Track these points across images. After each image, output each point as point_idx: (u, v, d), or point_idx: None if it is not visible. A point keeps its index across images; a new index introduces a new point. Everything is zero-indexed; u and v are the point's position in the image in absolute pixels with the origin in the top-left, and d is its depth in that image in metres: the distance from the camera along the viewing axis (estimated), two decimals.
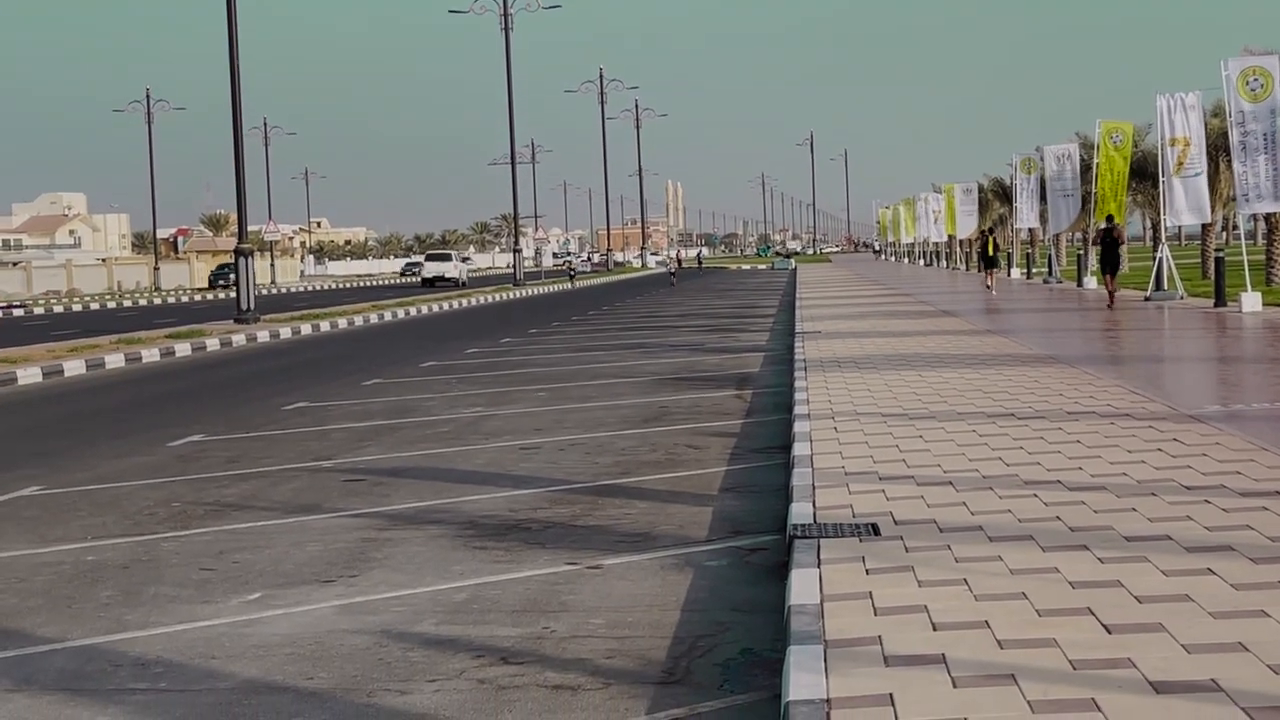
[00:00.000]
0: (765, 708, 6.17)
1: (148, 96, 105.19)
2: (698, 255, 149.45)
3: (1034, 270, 57.91)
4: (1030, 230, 62.96)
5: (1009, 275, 58.83)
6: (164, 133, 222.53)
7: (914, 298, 42.61)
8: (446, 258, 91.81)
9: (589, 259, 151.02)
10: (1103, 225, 34.27)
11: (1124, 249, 34.19)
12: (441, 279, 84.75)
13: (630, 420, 16.41)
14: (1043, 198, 51.75)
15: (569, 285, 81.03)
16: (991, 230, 54.69)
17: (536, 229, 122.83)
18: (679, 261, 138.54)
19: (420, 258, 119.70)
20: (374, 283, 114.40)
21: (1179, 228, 58.20)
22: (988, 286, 44.84)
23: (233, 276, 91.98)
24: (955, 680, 5.75)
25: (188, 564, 9.57)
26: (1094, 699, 5.45)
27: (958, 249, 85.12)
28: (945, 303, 38.39)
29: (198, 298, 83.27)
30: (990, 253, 47.26)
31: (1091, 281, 42.19)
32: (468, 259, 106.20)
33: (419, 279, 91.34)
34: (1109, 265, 33.04)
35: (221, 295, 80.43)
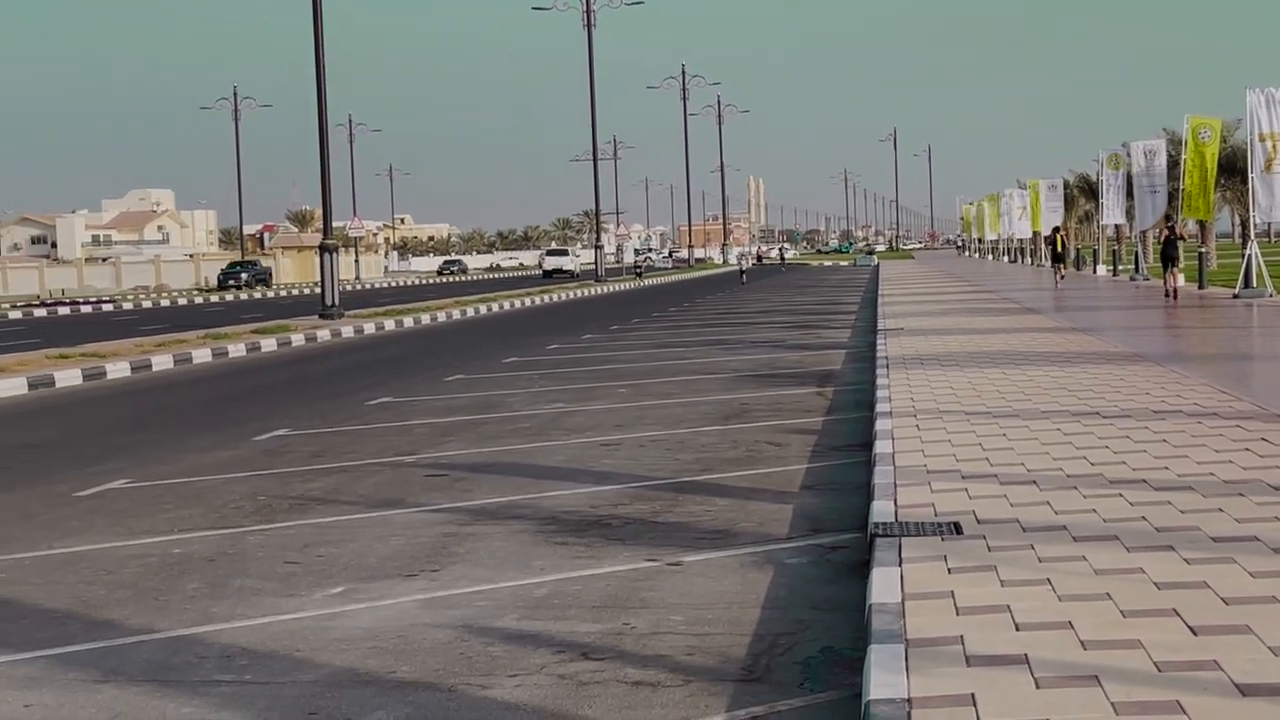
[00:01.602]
0: (845, 706, 6.15)
1: (235, 94, 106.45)
2: (779, 251, 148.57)
3: (1120, 267, 57.32)
4: (1116, 227, 62.26)
5: (1095, 273, 58.29)
6: (251, 130, 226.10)
7: (997, 294, 42.30)
8: (564, 253, 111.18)
9: (669, 255, 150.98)
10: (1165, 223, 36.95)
11: (1182, 245, 36.69)
12: (560, 270, 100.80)
13: (711, 417, 16.40)
14: (1129, 194, 51.16)
15: (644, 282, 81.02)
16: (1058, 228, 56.43)
17: (618, 225, 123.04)
18: (759, 257, 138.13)
19: (458, 258, 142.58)
20: (456, 279, 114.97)
21: (1269, 224, 57.27)
22: (1056, 282, 47.26)
23: (244, 276, 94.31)
24: (1038, 681, 5.70)
25: (272, 557, 9.67)
26: (1179, 701, 5.39)
27: (1042, 246, 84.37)
28: (1029, 300, 38.06)
29: (284, 293, 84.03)
30: (1058, 249, 51.01)
31: (1180, 279, 41.69)
32: (578, 255, 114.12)
33: (542, 271, 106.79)
34: (1169, 260, 35.25)
35: (230, 297, 79.84)
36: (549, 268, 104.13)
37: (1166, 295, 34.66)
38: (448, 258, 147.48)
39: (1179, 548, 7.83)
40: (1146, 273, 48.76)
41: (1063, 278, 49.00)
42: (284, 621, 7.95)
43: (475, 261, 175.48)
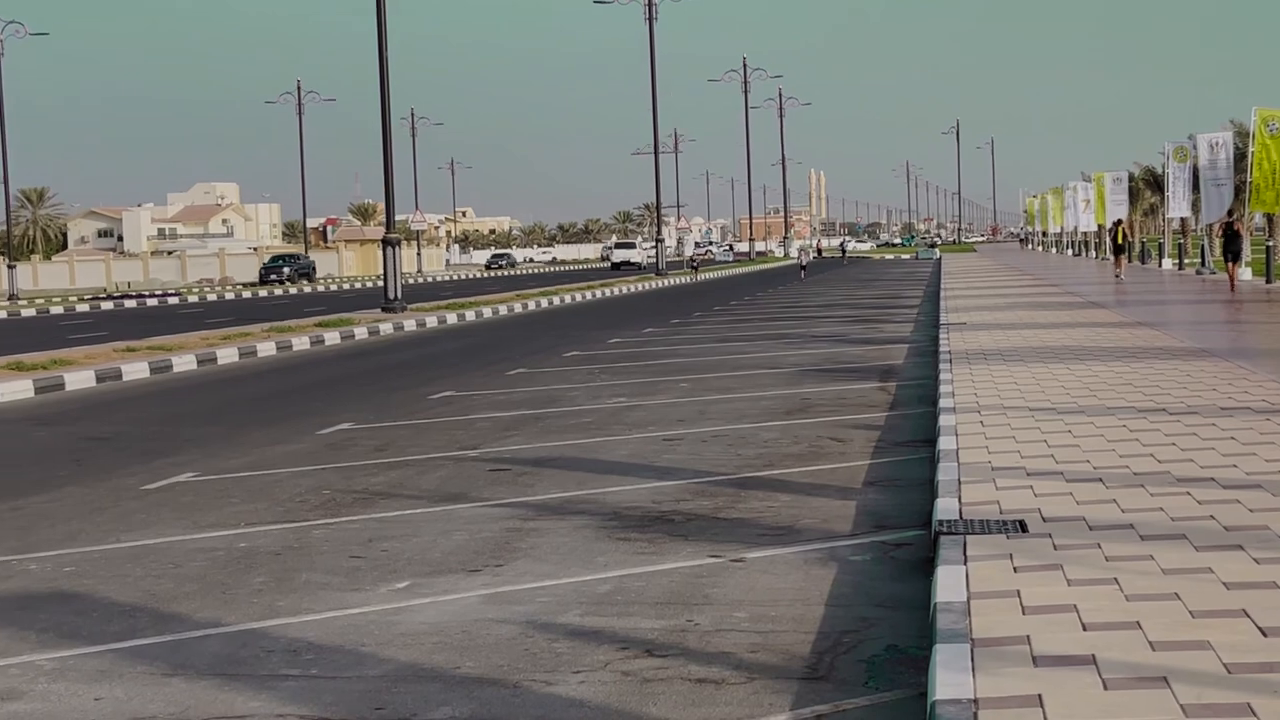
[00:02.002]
0: (911, 706, 6.13)
1: (298, 88, 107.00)
2: (841, 244, 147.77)
3: (1186, 261, 56.79)
4: (1182, 220, 61.68)
5: (1160, 266, 57.81)
6: (314, 124, 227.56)
7: (1061, 288, 42.01)
8: (631, 246, 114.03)
9: (729, 249, 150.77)
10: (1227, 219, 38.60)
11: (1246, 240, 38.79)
12: (627, 263, 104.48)
13: (773, 412, 16.37)
14: (1195, 187, 50.65)
15: (703, 276, 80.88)
16: (1119, 221, 56.76)
17: (679, 219, 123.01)
18: (818, 251, 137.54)
19: (505, 251, 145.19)
20: (515, 272, 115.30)
21: None
22: (1117, 275, 47.95)
23: (286, 270, 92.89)
24: (1106, 682, 5.67)
25: (337, 551, 9.73)
26: (1249, 704, 5.34)
27: (1107, 239, 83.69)
28: (1093, 294, 37.78)
29: (346, 286, 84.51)
30: (1119, 241, 51.48)
31: (1247, 273, 41.43)
32: (642, 248, 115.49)
33: (609, 263, 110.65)
34: (1231, 254, 36.73)
35: (277, 291, 78.48)
36: (617, 260, 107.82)
37: (1232, 288, 35.27)
38: (495, 251, 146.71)
39: (1248, 547, 7.76)
40: (1213, 266, 48.28)
41: (1122, 272, 49.13)
42: (349, 616, 8.00)
43: (536, 254, 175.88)
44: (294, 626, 7.81)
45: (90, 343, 32.17)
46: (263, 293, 76.28)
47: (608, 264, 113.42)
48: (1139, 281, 44.74)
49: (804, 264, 79.00)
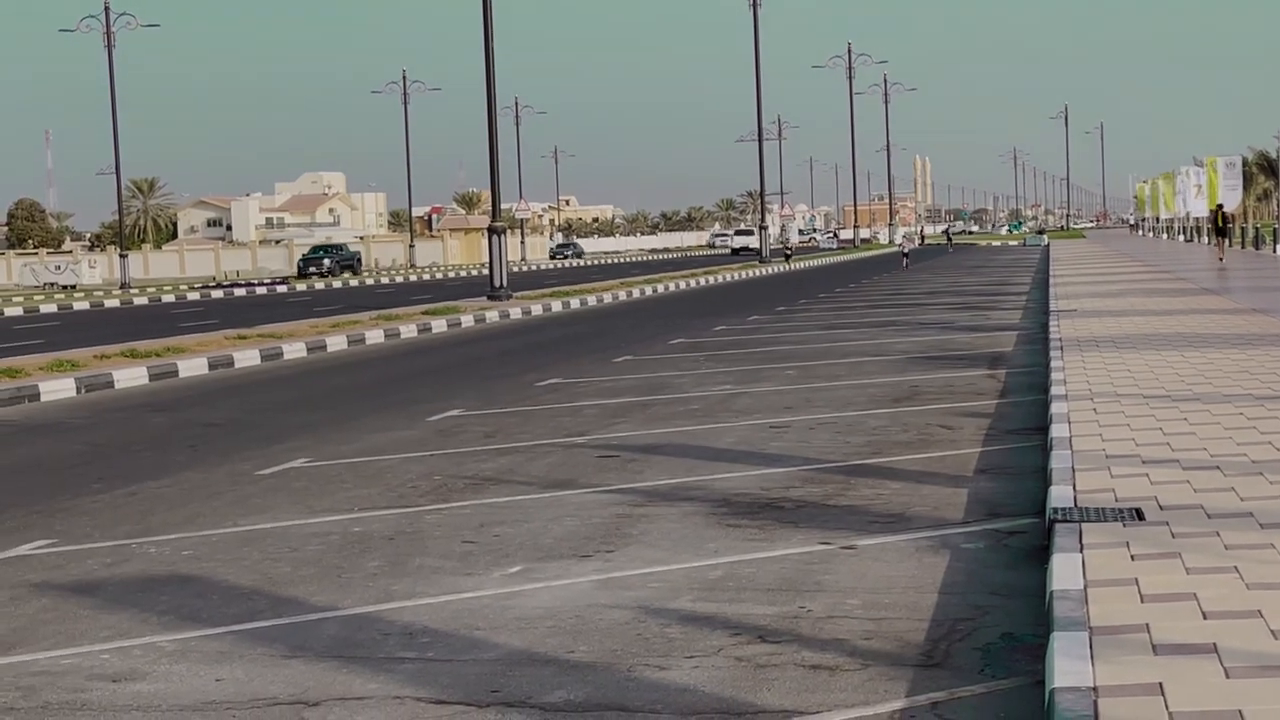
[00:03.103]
0: (1028, 694, 6.08)
1: (404, 78, 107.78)
2: (945, 231, 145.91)
3: None
4: None
5: (1275, 252, 56.83)
6: (419, 113, 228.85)
7: (1173, 274, 41.41)
8: (750, 233, 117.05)
9: (834, 235, 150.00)
10: None
11: None
12: (746, 249, 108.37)
13: (880, 399, 16.29)
14: None
15: (807, 263, 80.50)
16: (1221, 206, 59.23)
17: (782, 206, 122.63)
18: (922, 237, 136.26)
19: (571, 241, 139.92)
20: (620, 260, 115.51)
21: None
22: (1220, 259, 50.07)
23: (326, 263, 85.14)
24: (1228, 671, 5.59)
25: (450, 536, 9.81)
26: None
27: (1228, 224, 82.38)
28: (1205, 279, 37.20)
29: (451, 274, 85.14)
30: (1220, 225, 54.75)
31: None
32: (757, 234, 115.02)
33: (729, 249, 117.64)
34: None
35: (317, 285, 72.28)
36: (736, 246, 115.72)
37: None
38: (561, 241, 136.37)
39: None
40: None
41: (1224, 255, 51.67)
42: (463, 600, 8.07)
43: (639, 243, 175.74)
44: (409, 610, 7.89)
45: (202, 330, 32.68)
46: (369, 281, 76.94)
47: (713, 250, 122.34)
48: (1253, 267, 43.99)
49: (906, 251, 75.56)
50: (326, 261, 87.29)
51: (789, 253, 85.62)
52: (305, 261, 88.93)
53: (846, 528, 9.51)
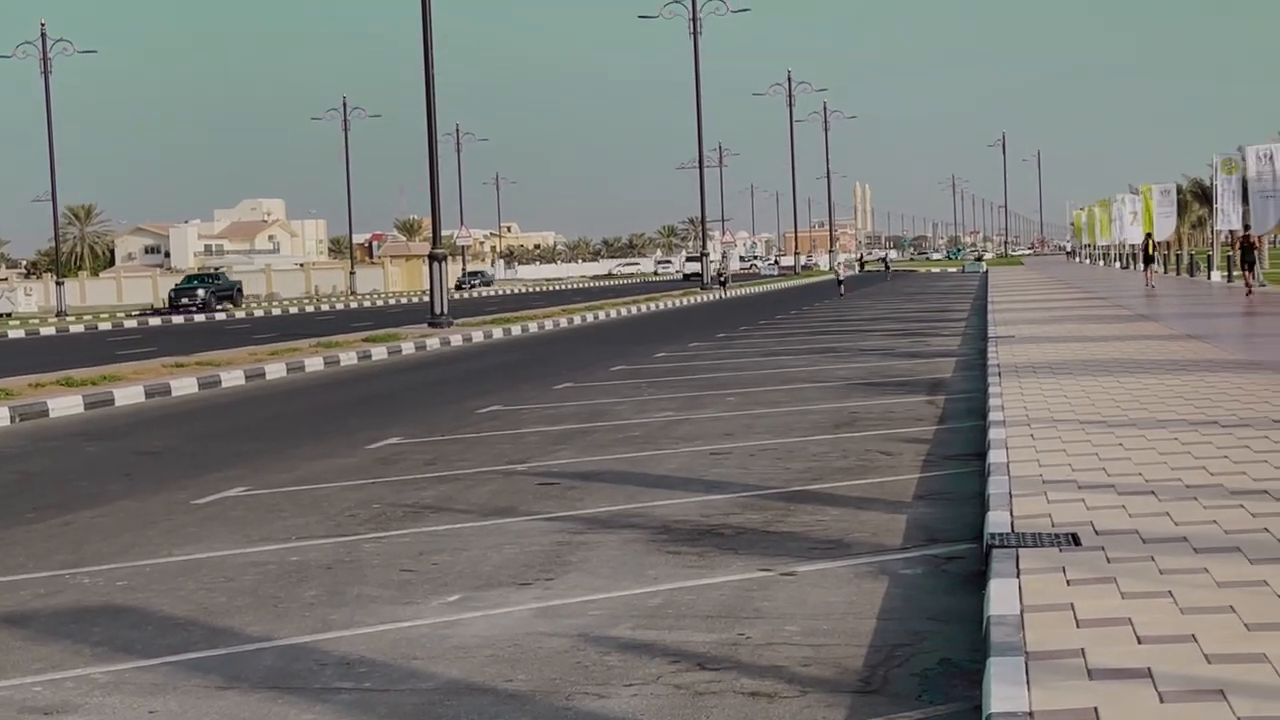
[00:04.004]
0: (965, 719, 6.10)
1: (344, 105, 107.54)
2: (884, 259, 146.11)
3: (1234, 274, 56.40)
4: (1231, 232, 61.34)
5: (1209, 279, 57.49)
6: (360, 140, 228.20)
7: (1109, 301, 41.79)
8: (700, 259, 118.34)
9: (775, 262, 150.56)
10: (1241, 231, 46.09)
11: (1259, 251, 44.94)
12: (696, 274, 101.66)
13: (821, 425, 16.34)
14: (1244, 199, 50.37)
15: (750, 289, 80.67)
16: (1150, 234, 63.64)
17: (723, 233, 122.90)
18: (860, 263, 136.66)
19: (481, 269, 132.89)
20: (561, 287, 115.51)
21: None
22: (1148, 281, 53.90)
23: (201, 294, 75.59)
24: (1162, 695, 5.63)
25: (388, 565, 9.76)
26: None
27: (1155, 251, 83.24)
28: (1141, 306, 37.57)
29: (392, 301, 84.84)
30: (1149, 253, 57.97)
31: (1258, 280, 43.21)
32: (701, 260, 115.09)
33: (683, 275, 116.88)
34: (1247, 263, 42.51)
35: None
36: (689, 272, 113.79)
37: (1248, 294, 40.25)
38: (470, 269, 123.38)
39: None
40: (1262, 278, 47.96)
41: (1153, 280, 54.42)
42: (402, 629, 8.03)
43: (582, 269, 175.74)
44: (346, 640, 7.83)
45: (139, 358, 32.42)
46: (309, 308, 76.57)
47: (657, 277, 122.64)
48: (1188, 294, 44.52)
49: (842, 279, 71.30)
50: (201, 292, 78.32)
51: (723, 281, 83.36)
52: (177, 292, 79.31)
53: (786, 554, 9.52)
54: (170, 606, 8.82)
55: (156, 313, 74.46)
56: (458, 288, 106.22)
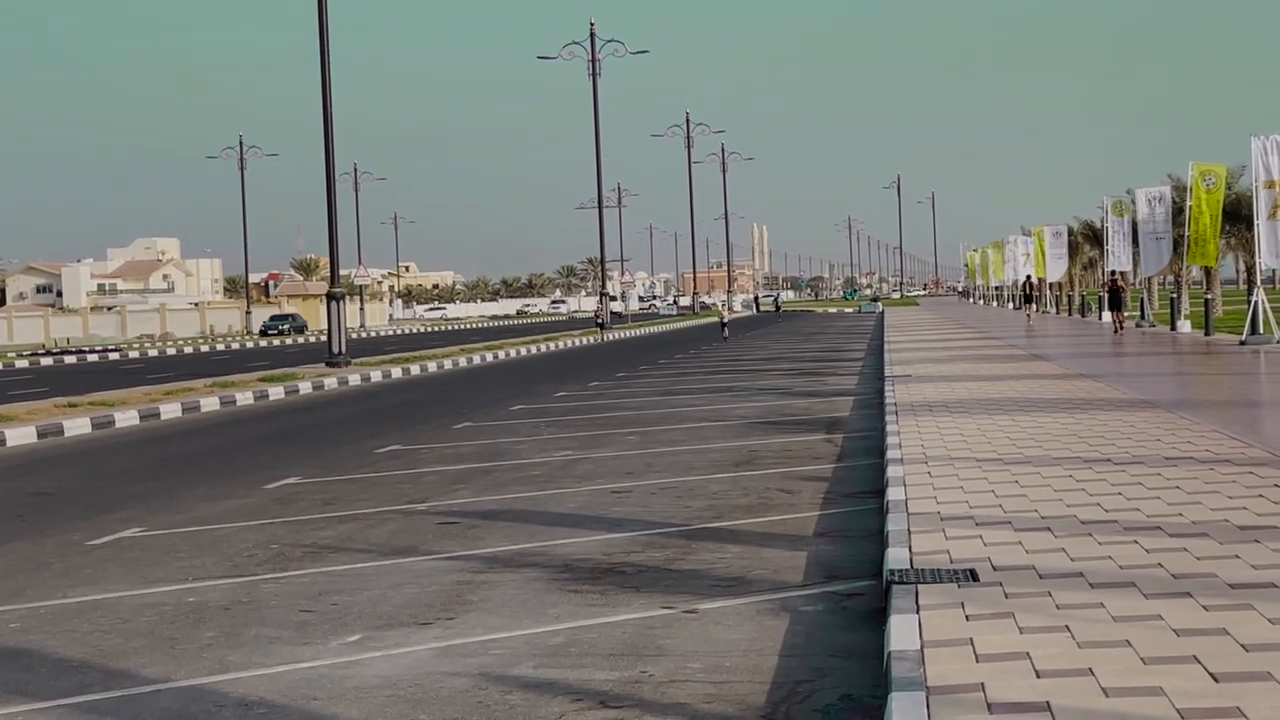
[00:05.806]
0: None
1: (240, 143, 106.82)
2: (775, 299, 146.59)
3: (1126, 314, 57.36)
4: (1121, 274, 62.42)
5: (1100, 319, 58.42)
6: (256, 179, 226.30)
7: (1003, 341, 42.32)
8: (614, 299, 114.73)
9: (674, 302, 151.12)
10: (1111, 274, 48.73)
11: (1126, 294, 47.76)
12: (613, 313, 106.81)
13: (721, 464, 16.40)
14: (1135, 241, 51.31)
15: (652, 329, 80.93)
16: (1029, 276, 69.31)
17: (623, 273, 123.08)
18: (757, 304, 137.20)
19: (287, 313, 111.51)
20: (459, 326, 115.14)
21: (1274, 271, 57.71)
22: (1028, 318, 59.70)
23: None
24: None
25: (287, 605, 9.67)
26: None
27: (1048, 292, 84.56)
28: (1035, 346, 38.08)
29: (289, 341, 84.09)
30: (1028, 292, 63.67)
31: (1186, 325, 42.36)
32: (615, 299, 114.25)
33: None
34: (1115, 305, 45.34)
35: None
36: (615, 310, 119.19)
37: (1116, 331, 43.56)
38: (275, 312, 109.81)
39: (1196, 594, 7.83)
40: (1152, 319, 48.83)
41: (1032, 317, 59.86)
42: (301, 670, 7.95)
43: (480, 309, 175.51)
44: (245, 681, 7.74)
45: (31, 399, 31.87)
46: (205, 348, 75.74)
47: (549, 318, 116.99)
48: (1080, 335, 45.19)
49: (725, 321, 66.44)
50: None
51: (600, 324, 74.57)
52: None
53: (688, 591, 9.54)
54: (65, 648, 8.68)
55: (49, 353, 73.28)
56: (262, 334, 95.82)
